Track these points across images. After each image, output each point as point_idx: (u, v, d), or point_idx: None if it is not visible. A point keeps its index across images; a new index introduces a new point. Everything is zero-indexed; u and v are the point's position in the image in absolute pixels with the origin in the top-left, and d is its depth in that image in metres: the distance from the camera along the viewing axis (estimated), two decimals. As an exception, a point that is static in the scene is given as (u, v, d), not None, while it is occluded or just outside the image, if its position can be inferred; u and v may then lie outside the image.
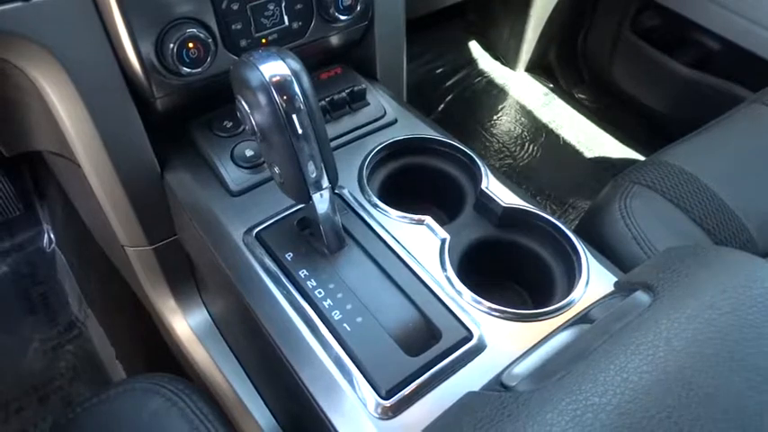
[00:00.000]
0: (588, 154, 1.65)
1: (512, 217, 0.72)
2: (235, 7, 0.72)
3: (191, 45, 0.69)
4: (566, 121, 1.73)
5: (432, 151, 0.81)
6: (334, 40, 0.86)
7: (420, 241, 0.69)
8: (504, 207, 0.71)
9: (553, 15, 1.69)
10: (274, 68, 0.56)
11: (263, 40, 0.76)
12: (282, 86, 0.56)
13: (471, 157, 0.78)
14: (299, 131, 0.57)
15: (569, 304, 0.62)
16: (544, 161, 1.62)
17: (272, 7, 0.75)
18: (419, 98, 1.79)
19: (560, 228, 0.69)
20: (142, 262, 0.91)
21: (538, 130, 1.71)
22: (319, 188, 0.62)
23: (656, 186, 0.89)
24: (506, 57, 1.86)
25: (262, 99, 0.56)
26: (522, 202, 0.72)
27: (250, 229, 0.70)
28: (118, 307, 1.22)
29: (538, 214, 0.71)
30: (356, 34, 0.88)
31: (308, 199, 0.62)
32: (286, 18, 0.76)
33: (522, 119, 1.74)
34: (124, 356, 1.23)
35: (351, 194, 0.74)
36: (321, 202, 0.63)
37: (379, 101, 0.86)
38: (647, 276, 0.47)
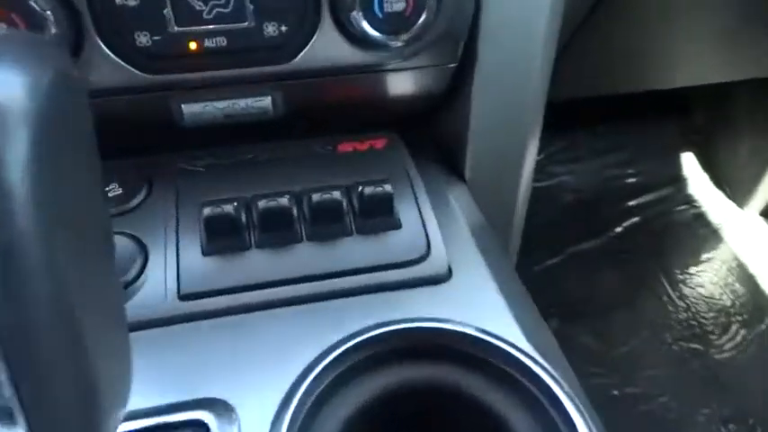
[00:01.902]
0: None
1: None
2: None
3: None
4: (810, 307, 1.09)
5: (480, 366, 0.35)
6: (384, 84, 0.43)
7: None
8: None
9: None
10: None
11: (192, 45, 0.36)
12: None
13: (564, 406, 0.30)
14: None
15: None
16: (757, 364, 1.02)
17: (217, -20, 0.35)
18: (587, 210, 1.27)
19: None
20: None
21: (758, 310, 1.10)
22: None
23: None
24: (734, 187, 1.34)
25: None
26: None
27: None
28: None
29: None
30: (435, 84, 0.45)
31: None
32: (249, 9, 0.35)
33: (737, 285, 1.15)
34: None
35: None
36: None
37: (425, 224, 0.41)
38: None
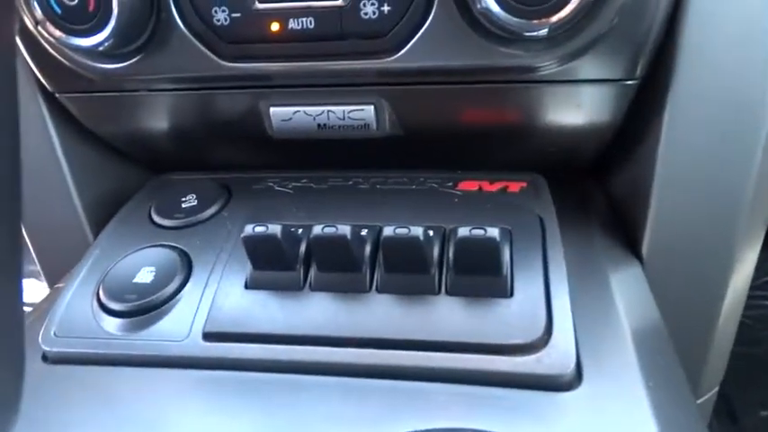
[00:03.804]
0: None
1: None
2: None
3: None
4: None
5: None
6: (526, 103, 0.32)
7: None
8: None
9: None
10: None
11: (274, 26, 0.29)
12: None
13: None
14: None
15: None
16: None
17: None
18: None
19: None
20: None
21: None
22: None
23: None
24: None
25: None
26: None
27: None
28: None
29: None
30: (603, 112, 0.33)
31: None
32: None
33: None
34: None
35: None
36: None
37: (550, 297, 0.27)
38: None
